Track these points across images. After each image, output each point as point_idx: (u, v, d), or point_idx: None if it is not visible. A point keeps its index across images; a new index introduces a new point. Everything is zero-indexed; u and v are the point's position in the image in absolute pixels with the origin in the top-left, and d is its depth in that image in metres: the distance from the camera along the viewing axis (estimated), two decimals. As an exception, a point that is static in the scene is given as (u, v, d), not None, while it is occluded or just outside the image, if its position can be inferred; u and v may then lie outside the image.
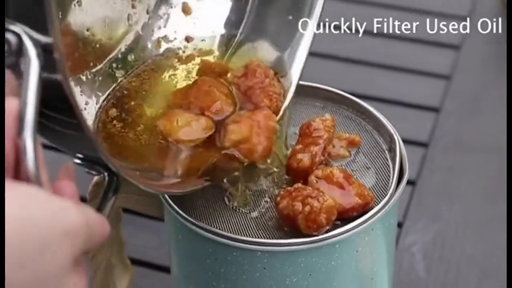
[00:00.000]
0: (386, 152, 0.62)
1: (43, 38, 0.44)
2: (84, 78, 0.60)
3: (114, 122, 0.60)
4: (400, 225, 0.87)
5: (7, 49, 0.45)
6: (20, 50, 0.44)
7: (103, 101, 0.61)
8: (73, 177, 0.45)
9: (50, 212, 0.40)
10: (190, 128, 0.59)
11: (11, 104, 0.43)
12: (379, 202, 0.57)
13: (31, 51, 0.44)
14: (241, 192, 0.59)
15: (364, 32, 1.13)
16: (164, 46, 0.66)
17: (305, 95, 0.66)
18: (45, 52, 0.44)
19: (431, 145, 0.97)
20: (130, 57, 0.65)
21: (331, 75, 1.04)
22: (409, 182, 0.87)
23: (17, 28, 0.44)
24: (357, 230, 0.55)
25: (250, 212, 0.58)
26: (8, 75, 0.44)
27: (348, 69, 1.09)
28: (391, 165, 0.60)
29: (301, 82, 0.65)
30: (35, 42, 0.44)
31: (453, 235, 0.87)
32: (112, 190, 0.53)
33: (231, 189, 0.59)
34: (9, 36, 0.45)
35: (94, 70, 0.61)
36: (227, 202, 0.59)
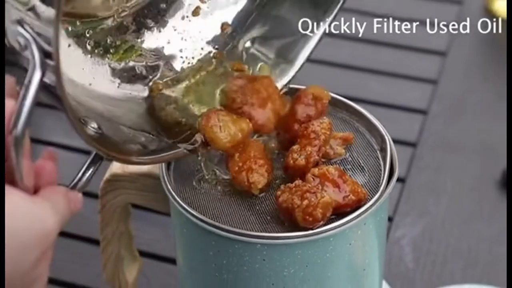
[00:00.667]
0: (378, 151, 0.62)
1: (46, 46, 0.44)
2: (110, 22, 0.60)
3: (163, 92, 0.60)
4: (390, 219, 0.87)
5: (19, 48, 0.45)
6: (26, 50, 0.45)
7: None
8: (55, 160, 0.48)
9: (30, 222, 0.43)
10: (228, 131, 0.58)
11: (7, 104, 0.44)
12: (371, 199, 0.57)
13: (37, 59, 0.45)
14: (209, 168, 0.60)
15: (358, 39, 1.13)
16: (201, 12, 0.63)
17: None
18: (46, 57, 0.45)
19: (419, 145, 0.98)
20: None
21: (327, 80, 1.04)
22: (399, 180, 0.87)
23: (27, 34, 0.45)
24: (350, 225, 0.55)
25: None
26: (8, 77, 0.46)
27: (342, 74, 1.09)
28: (382, 164, 0.60)
29: (298, 86, 0.65)
30: (40, 49, 0.45)
31: (440, 229, 0.87)
32: (97, 161, 0.53)
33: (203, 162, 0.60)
34: (20, 39, 0.45)
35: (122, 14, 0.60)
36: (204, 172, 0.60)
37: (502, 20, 1.13)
